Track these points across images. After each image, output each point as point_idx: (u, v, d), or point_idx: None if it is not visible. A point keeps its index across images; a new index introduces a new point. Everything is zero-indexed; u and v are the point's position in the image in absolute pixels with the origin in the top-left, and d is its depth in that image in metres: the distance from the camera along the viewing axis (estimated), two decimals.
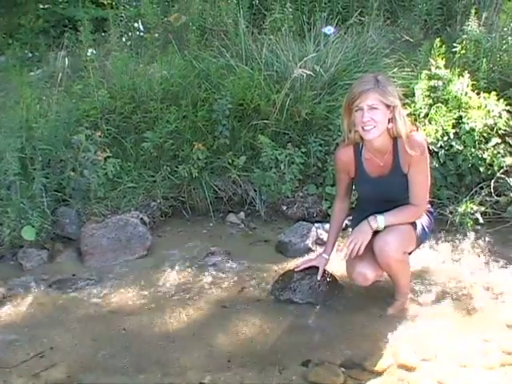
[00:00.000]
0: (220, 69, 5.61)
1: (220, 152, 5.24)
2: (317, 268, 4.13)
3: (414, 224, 3.89)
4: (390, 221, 3.77)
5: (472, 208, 4.89)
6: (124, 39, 6.27)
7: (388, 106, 3.62)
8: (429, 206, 4.05)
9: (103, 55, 6.28)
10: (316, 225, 4.96)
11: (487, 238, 4.85)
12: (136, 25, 6.28)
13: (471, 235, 4.87)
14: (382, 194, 3.82)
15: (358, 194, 4.21)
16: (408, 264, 3.96)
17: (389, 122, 3.66)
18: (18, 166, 4.92)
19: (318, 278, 4.12)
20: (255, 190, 5.26)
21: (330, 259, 4.15)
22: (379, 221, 3.76)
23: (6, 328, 4.02)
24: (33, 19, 8.81)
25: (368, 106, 3.58)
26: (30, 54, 7.92)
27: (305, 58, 5.27)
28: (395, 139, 3.74)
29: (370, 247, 3.80)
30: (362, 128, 3.63)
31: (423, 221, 3.98)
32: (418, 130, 3.88)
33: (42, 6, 9.11)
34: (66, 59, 6.30)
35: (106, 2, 7.41)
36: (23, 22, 8.71)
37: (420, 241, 4.02)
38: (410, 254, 4.01)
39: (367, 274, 3.86)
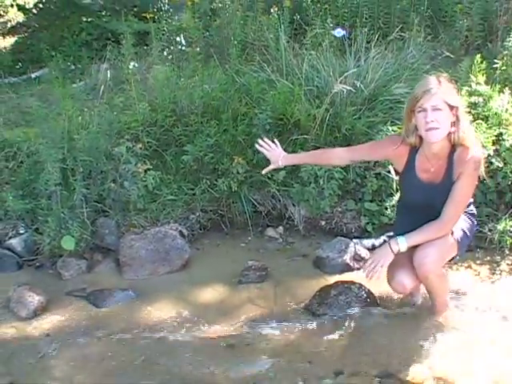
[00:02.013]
0: (261, 83, 5.62)
1: (259, 166, 5.21)
2: (350, 282, 4.25)
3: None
4: (412, 241, 3.72)
5: (511, 226, 4.83)
6: (165, 53, 6.31)
7: (451, 108, 3.55)
8: (471, 207, 3.98)
9: (145, 68, 6.35)
10: (354, 240, 4.93)
11: None
12: (178, 39, 6.32)
13: (510, 255, 4.81)
14: (428, 199, 3.74)
15: (401, 196, 4.16)
16: (446, 279, 3.94)
17: (451, 126, 3.59)
18: (59, 177, 5.00)
19: (264, 172, 4.37)
20: (294, 205, 5.25)
21: (281, 165, 4.28)
22: (400, 243, 3.71)
23: (41, 336, 4.10)
24: (76, 32, 8.95)
25: (432, 106, 3.52)
26: (73, 67, 8.04)
27: (345, 74, 5.26)
28: (453, 147, 3.66)
29: (409, 256, 3.77)
30: (426, 129, 3.57)
31: (462, 225, 3.89)
32: (479, 144, 3.82)
33: (85, 19, 9.24)
34: (108, 72, 6.37)
35: (148, 16, 7.50)
36: (66, 35, 8.84)
37: (461, 246, 3.92)
38: (451, 260, 3.99)
39: (406, 283, 3.84)
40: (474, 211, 4.04)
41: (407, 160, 3.81)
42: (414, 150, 3.78)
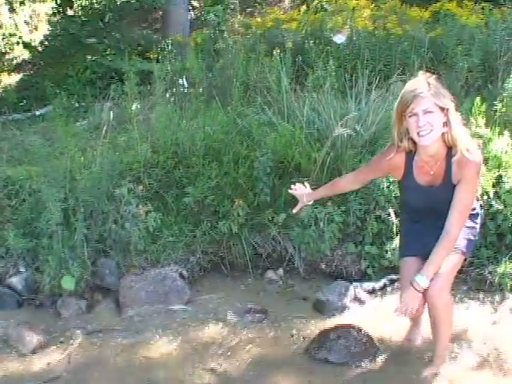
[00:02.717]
0: (262, 126, 5.67)
1: (260, 209, 5.27)
2: (349, 326, 4.23)
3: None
4: (430, 273, 3.67)
5: (511, 268, 4.82)
6: (168, 95, 6.36)
7: (442, 109, 3.51)
8: (475, 206, 3.89)
9: (148, 108, 6.40)
10: (354, 283, 4.93)
11: None
12: (180, 81, 6.38)
13: (510, 297, 4.79)
14: (430, 203, 3.72)
15: (402, 201, 4.13)
16: (452, 311, 3.86)
17: (444, 126, 3.55)
18: (61, 216, 5.02)
19: (294, 211, 4.39)
20: (294, 248, 5.25)
21: (308, 203, 4.33)
22: (421, 283, 3.66)
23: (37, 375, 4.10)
24: (80, 70, 9.08)
25: (423, 110, 3.48)
26: (77, 105, 8.13)
27: (346, 117, 5.29)
28: (450, 149, 3.62)
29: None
30: (418, 134, 3.53)
31: (464, 235, 3.80)
32: (478, 147, 3.74)
33: (89, 58, 9.36)
34: (112, 111, 6.42)
35: (151, 56, 7.59)
36: (71, 73, 8.95)
37: (468, 252, 3.86)
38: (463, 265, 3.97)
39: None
40: (478, 210, 3.95)
41: (405, 167, 3.76)
42: (410, 156, 3.74)
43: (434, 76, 3.63)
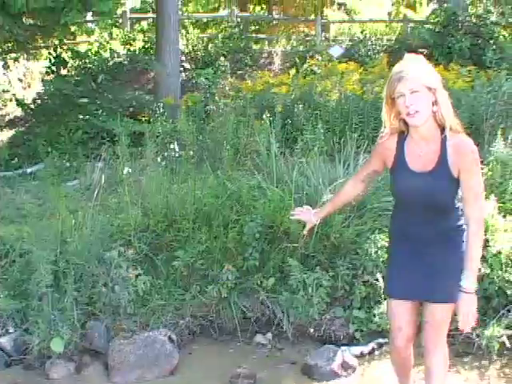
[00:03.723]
0: (251, 190, 5.72)
1: (249, 273, 5.30)
2: None
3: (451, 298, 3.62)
4: (474, 270, 3.54)
5: (499, 331, 4.85)
6: (159, 158, 6.43)
7: (429, 89, 3.50)
8: (461, 221, 3.67)
9: (139, 170, 6.46)
10: (342, 348, 4.94)
11: None
12: (172, 146, 6.47)
13: (498, 360, 4.82)
14: (421, 192, 3.57)
15: (393, 197, 3.90)
16: (446, 367, 3.79)
17: (433, 105, 3.52)
18: (51, 279, 5.03)
19: (305, 232, 4.32)
20: (283, 312, 5.26)
21: (317, 222, 4.17)
22: (470, 285, 3.52)
23: None
24: (72, 130, 9.15)
25: (410, 90, 3.47)
26: (68, 164, 8.17)
27: (334, 183, 5.37)
28: (443, 131, 3.56)
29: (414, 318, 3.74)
30: (407, 114, 3.50)
31: (456, 277, 3.60)
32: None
33: (81, 117, 9.46)
34: (103, 172, 6.48)
35: (143, 118, 7.70)
36: (63, 132, 9.03)
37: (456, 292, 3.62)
38: None
39: (405, 331, 3.75)
40: (462, 220, 3.70)
41: (396, 150, 3.69)
42: (402, 139, 3.68)
43: (421, 56, 3.65)
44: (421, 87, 3.49)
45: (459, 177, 3.54)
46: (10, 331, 5.11)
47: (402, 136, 3.67)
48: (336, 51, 5.81)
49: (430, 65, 3.63)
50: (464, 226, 3.64)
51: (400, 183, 3.70)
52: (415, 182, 3.59)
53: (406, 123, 3.61)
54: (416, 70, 3.52)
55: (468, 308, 3.55)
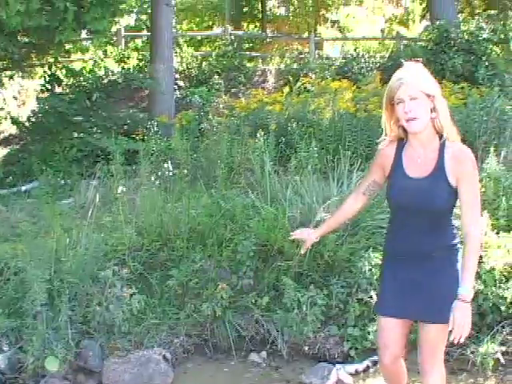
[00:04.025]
0: (245, 209, 5.74)
1: (243, 292, 5.32)
2: None
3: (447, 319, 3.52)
4: (471, 280, 3.45)
5: (493, 348, 4.86)
6: (153, 177, 6.45)
7: (428, 96, 3.52)
8: (456, 239, 3.66)
9: (133, 188, 6.47)
10: (337, 366, 4.94)
11: (509, 380, 4.78)
12: (166, 165, 6.49)
13: (493, 376, 4.82)
14: (417, 198, 3.54)
15: (388, 202, 3.86)
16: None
17: (431, 112, 3.52)
18: (46, 297, 5.01)
19: (302, 252, 4.26)
20: (277, 330, 5.26)
21: (316, 239, 4.07)
22: (467, 293, 3.44)
23: None
24: (67, 148, 9.15)
25: (409, 96, 3.49)
26: (63, 182, 8.17)
27: (328, 202, 5.38)
28: (441, 138, 3.54)
29: (403, 336, 3.72)
30: (406, 120, 3.52)
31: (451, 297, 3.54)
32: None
33: (76, 135, 9.47)
34: (97, 191, 6.49)
35: (137, 136, 7.72)
36: (57, 150, 9.04)
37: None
38: None
39: (392, 350, 3.72)
40: (457, 239, 3.71)
41: (394, 157, 3.70)
42: (401, 146, 3.69)
43: (420, 64, 3.66)
44: (420, 94, 3.51)
45: (457, 186, 3.52)
46: (5, 349, 5.06)
47: (401, 143, 3.68)
48: (336, 52, 5.94)
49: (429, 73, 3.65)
50: (459, 246, 3.63)
51: (395, 187, 3.68)
52: (410, 187, 3.58)
53: (405, 130, 3.63)
54: (415, 77, 3.54)
55: (463, 317, 3.42)
